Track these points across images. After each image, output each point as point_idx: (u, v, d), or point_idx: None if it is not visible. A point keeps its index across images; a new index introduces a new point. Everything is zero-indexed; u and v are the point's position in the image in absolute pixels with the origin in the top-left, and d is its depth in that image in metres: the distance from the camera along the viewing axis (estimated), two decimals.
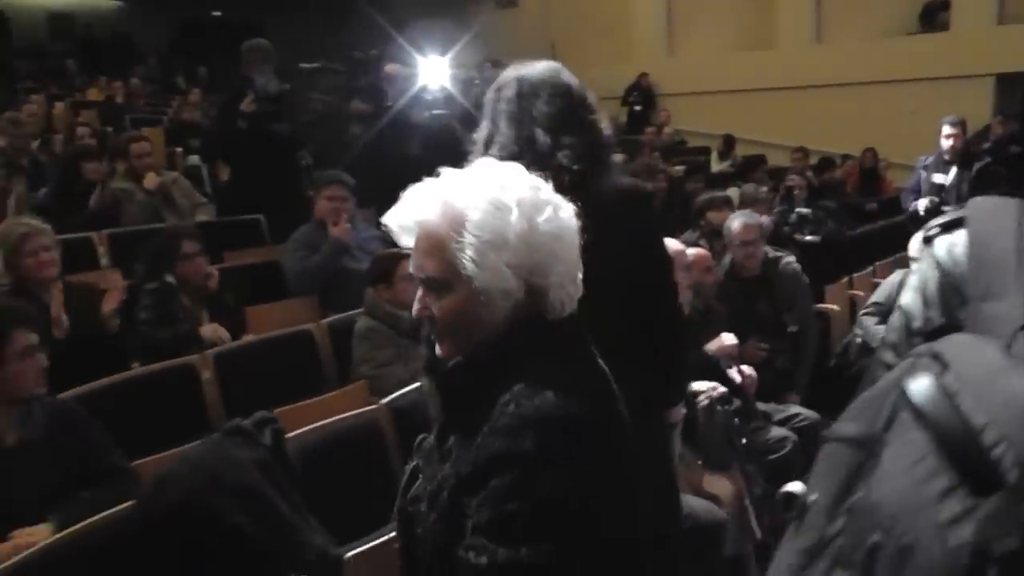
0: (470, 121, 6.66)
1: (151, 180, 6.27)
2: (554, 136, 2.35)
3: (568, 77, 2.49)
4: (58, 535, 2.42)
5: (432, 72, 6.75)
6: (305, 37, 16.42)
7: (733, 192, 7.11)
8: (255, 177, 6.35)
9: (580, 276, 1.59)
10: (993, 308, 1.14)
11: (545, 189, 1.57)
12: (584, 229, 1.62)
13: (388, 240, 4.92)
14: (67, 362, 3.28)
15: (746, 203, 6.32)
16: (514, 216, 1.49)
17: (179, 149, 9.43)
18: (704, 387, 3.62)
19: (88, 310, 4.04)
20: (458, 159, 5.58)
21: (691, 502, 3.14)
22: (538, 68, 2.47)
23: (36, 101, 10.88)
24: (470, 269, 1.48)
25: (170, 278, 4.32)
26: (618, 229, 2.19)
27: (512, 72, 2.47)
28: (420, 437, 1.74)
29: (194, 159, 9.11)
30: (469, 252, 1.48)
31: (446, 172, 1.59)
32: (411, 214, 1.55)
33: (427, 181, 1.58)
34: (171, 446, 2.91)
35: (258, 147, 6.24)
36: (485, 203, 1.50)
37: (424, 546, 1.55)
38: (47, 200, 6.27)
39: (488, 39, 14.51)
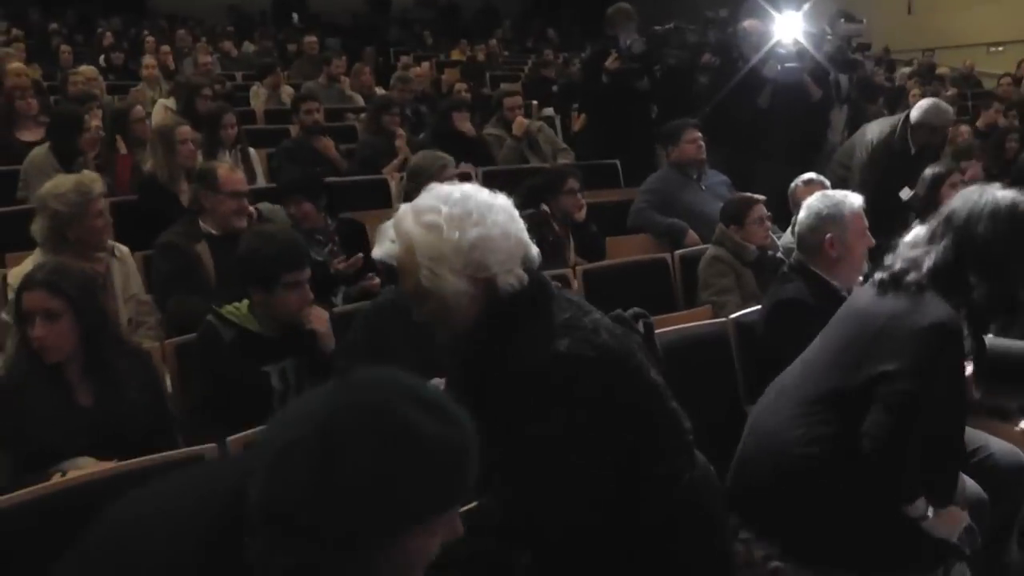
0: (822, 75, 6.86)
1: (519, 127, 7.03)
2: None
3: None
4: None
5: (786, 26, 6.93)
6: None
7: None
8: (612, 127, 6.97)
9: (528, 253, 1.98)
10: None
11: (474, 196, 1.94)
12: None
13: (734, 185, 5.34)
14: None
15: None
16: (444, 233, 1.87)
17: (535, 102, 10.17)
18: None
19: None
20: (806, 111, 5.84)
21: (992, 444, 3.18)
22: None
23: (405, 64, 12.07)
24: (427, 283, 1.89)
25: (544, 207, 4.99)
26: None
27: None
28: None
29: (548, 111, 9.81)
30: (423, 271, 1.88)
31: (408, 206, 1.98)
32: (383, 251, 1.96)
33: (391, 220, 1.99)
34: None
35: (618, 101, 6.82)
36: (421, 229, 1.89)
37: None
38: (426, 142, 7.07)
39: None
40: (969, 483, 2.90)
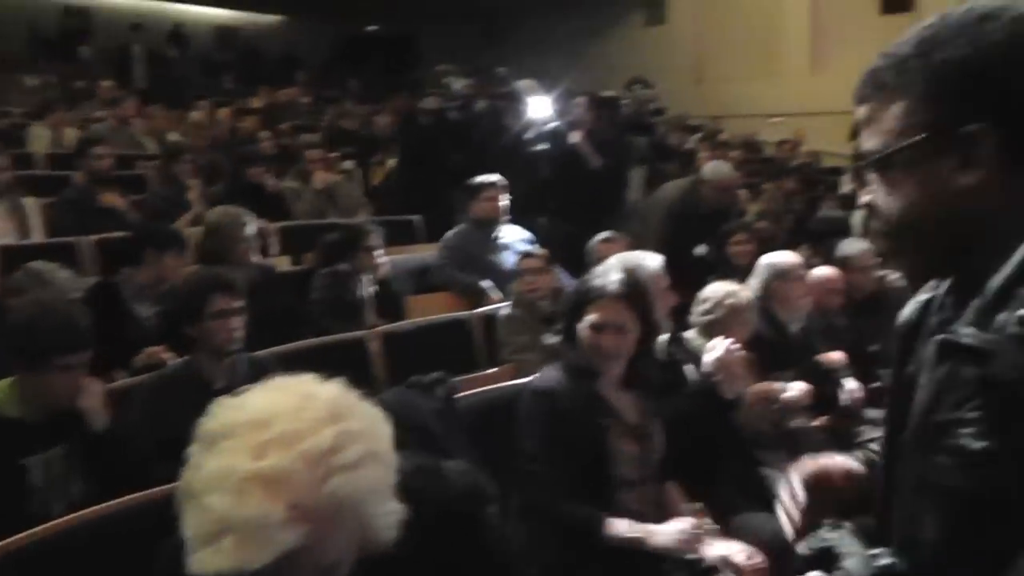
0: (608, 141, 7.06)
1: (320, 180, 6.91)
2: None
3: None
4: None
5: (540, 107, 7.17)
6: (459, 50, 17.06)
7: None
8: (424, 177, 7.02)
9: None
10: None
11: (322, 391, 1.35)
12: None
13: (533, 241, 5.40)
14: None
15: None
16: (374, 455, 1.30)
17: (336, 154, 10.04)
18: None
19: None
20: (589, 177, 6.00)
21: None
22: None
23: (202, 107, 11.65)
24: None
25: (343, 265, 4.88)
26: None
27: None
28: None
29: (348, 164, 9.71)
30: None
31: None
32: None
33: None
34: None
35: (435, 147, 6.91)
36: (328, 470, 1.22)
37: None
38: (222, 195, 6.84)
39: (636, 57, 14.85)
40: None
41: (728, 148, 10.96)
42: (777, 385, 3.83)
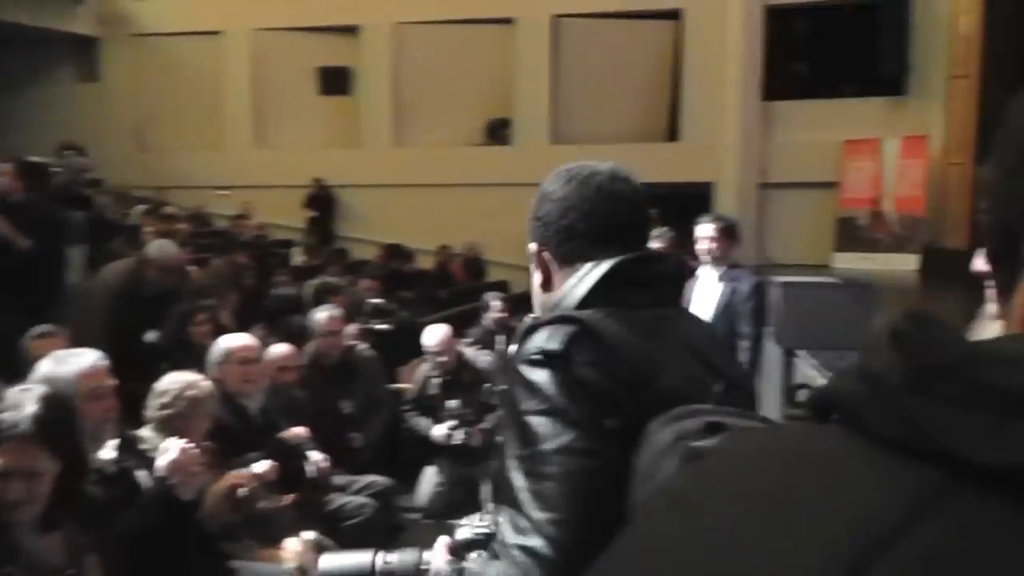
0: (40, 217, 6.40)
1: None
2: None
3: None
4: None
5: None
6: None
7: (311, 285, 7.32)
8: None
9: None
10: None
11: None
12: None
13: None
14: None
15: (323, 293, 6.63)
16: None
17: None
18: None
19: None
20: (15, 258, 5.41)
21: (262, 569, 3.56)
22: None
23: None
24: None
25: None
26: None
27: None
28: None
29: None
30: None
31: None
32: None
33: None
34: None
35: None
36: None
37: None
38: None
39: (68, 117, 13.73)
40: None
41: (175, 221, 10.62)
42: (240, 472, 3.71)
